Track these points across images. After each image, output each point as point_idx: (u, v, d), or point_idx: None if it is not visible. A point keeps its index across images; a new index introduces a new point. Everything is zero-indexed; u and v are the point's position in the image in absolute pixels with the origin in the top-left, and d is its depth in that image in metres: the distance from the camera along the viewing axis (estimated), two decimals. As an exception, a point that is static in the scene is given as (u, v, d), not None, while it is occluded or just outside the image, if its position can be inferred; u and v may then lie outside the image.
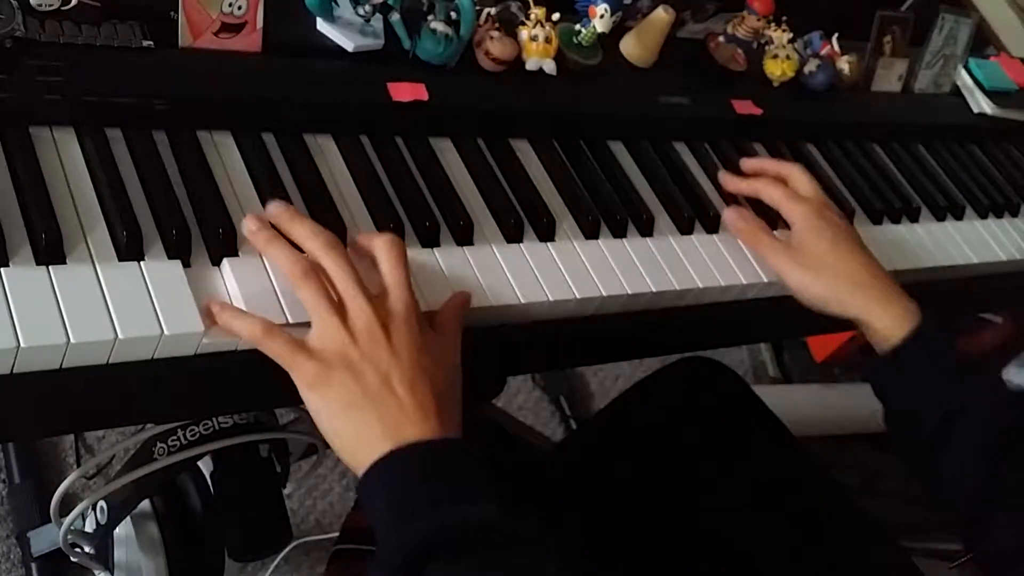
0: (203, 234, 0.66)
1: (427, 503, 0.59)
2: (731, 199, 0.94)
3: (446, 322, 0.68)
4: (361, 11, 0.80)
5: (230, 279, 0.65)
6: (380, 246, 0.68)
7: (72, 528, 0.98)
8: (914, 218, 1.06)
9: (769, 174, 0.93)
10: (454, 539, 0.58)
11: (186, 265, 0.64)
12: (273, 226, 0.67)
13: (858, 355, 0.86)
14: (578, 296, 0.77)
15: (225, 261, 0.65)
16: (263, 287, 0.65)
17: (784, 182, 0.92)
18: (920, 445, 0.81)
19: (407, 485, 0.60)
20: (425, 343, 0.65)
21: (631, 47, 0.97)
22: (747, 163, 0.96)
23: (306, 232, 0.66)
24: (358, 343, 0.63)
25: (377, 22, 0.81)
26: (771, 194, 0.90)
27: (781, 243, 0.86)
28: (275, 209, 0.68)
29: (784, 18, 1.04)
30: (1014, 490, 0.76)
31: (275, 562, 1.42)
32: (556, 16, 0.88)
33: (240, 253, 0.66)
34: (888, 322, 0.81)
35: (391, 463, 0.61)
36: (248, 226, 0.66)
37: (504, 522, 0.60)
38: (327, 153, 0.77)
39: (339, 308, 0.63)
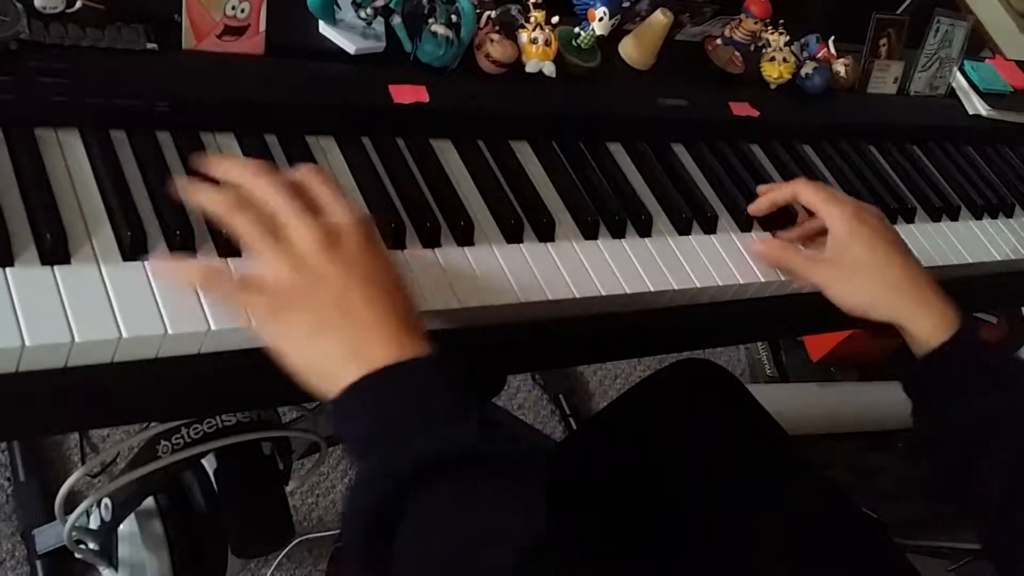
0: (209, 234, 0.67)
1: (406, 429, 0.57)
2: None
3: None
4: (363, 14, 0.80)
5: None
6: (303, 175, 0.64)
7: (76, 525, 0.98)
8: (909, 219, 1.07)
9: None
10: (434, 463, 0.56)
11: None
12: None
13: (887, 357, 0.85)
14: (577, 295, 0.77)
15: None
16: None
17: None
18: (954, 446, 0.80)
19: (382, 411, 0.57)
20: (377, 256, 0.62)
21: (630, 50, 0.97)
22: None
23: (229, 164, 0.63)
24: (305, 267, 0.60)
25: (378, 25, 0.82)
26: (809, 196, 0.89)
27: (814, 259, 0.85)
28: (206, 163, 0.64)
29: (781, 21, 1.05)
30: None
31: (278, 559, 1.42)
32: (555, 19, 0.89)
33: (243, 254, 0.67)
34: (928, 327, 0.81)
35: (364, 388, 0.58)
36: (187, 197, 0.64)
37: (481, 445, 0.58)
38: (329, 154, 0.78)
39: (279, 236, 0.60)
